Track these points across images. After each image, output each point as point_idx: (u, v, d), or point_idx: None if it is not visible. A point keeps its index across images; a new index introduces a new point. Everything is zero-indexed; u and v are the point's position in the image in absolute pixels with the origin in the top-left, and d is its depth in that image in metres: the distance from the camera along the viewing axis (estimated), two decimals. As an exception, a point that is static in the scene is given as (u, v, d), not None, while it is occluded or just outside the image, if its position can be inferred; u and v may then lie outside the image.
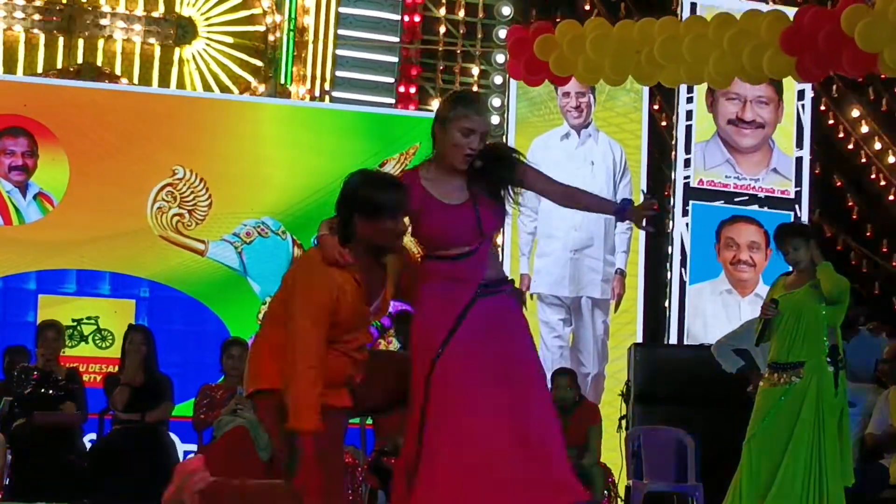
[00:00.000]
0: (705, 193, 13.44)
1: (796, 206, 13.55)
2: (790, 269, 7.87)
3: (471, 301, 5.34)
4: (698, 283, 13.32)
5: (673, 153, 13.46)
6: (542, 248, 13.06)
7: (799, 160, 13.81)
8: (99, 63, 13.30)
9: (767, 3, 12.97)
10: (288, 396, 4.98)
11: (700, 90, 13.36)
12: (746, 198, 13.50)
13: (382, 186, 5.29)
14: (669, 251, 13.39)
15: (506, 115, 13.52)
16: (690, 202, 13.37)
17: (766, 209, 13.47)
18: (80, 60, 13.27)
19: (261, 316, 12.44)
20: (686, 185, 13.39)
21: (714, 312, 13.07)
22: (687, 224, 13.35)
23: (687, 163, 13.40)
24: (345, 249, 5.16)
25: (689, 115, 13.46)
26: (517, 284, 12.16)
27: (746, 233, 13.57)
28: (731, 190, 13.50)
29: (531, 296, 12.92)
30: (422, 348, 5.31)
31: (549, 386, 9.93)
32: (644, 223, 5.52)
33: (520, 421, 5.24)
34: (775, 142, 13.62)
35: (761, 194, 13.49)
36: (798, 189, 13.65)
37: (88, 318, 12.15)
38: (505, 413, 5.23)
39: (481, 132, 5.33)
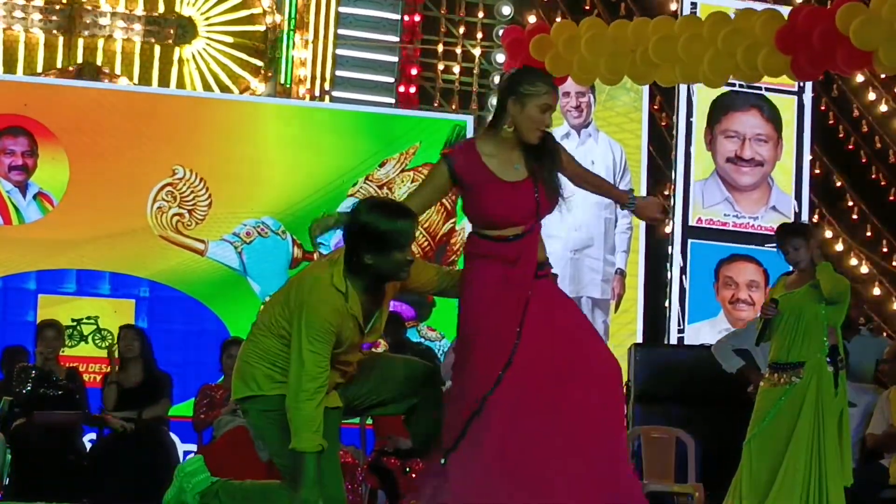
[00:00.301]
0: (704, 232, 13.42)
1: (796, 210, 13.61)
2: (790, 269, 7.87)
3: (530, 290, 5.24)
4: (697, 322, 13.30)
5: (673, 183, 13.46)
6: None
7: (799, 157, 13.80)
8: (99, 63, 13.29)
9: (764, 1, 12.95)
10: (290, 415, 5.02)
11: (699, 127, 13.37)
12: (745, 236, 13.48)
13: (391, 217, 5.13)
14: (669, 251, 13.39)
15: (506, 115, 13.50)
16: (689, 241, 13.35)
17: (765, 248, 13.41)
18: (80, 60, 13.26)
19: (260, 316, 12.45)
20: (684, 223, 13.36)
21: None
22: (682, 268, 13.34)
23: (686, 202, 13.38)
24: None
25: (687, 154, 13.43)
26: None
27: (745, 272, 13.57)
28: (730, 228, 13.48)
29: (531, 296, 12.91)
30: (488, 338, 5.21)
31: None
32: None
33: (579, 425, 5.08)
34: (774, 179, 13.62)
35: (760, 232, 13.45)
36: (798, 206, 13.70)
37: (88, 317, 12.15)
38: (564, 415, 5.08)
39: (553, 106, 5.29)
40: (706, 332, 13.07)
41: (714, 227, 13.45)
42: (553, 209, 5.40)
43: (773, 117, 13.71)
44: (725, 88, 12.81)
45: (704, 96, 13.39)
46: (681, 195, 13.37)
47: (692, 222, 13.41)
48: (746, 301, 13.49)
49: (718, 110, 13.55)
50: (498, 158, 5.28)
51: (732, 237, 13.50)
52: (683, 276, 13.29)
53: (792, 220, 13.29)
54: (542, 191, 5.29)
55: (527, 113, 5.24)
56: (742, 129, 13.39)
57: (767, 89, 13.52)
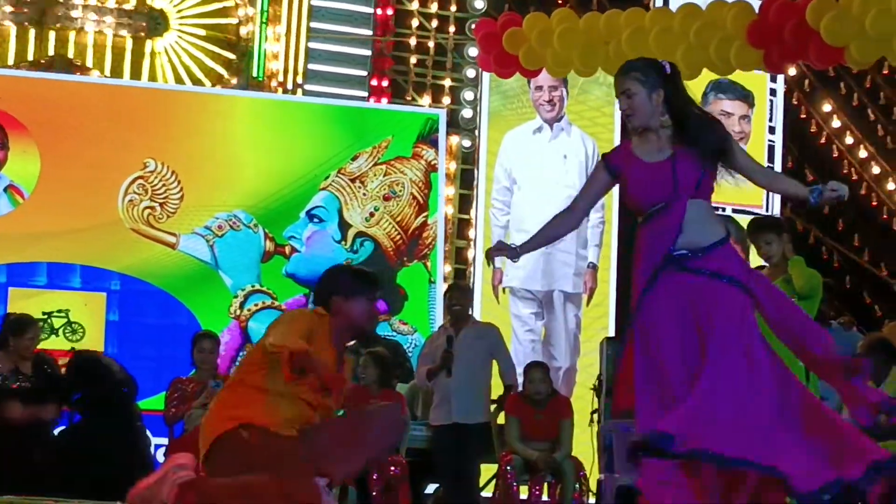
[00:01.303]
0: None
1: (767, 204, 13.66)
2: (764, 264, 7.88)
3: (661, 259, 5.38)
4: None
5: None
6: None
7: (771, 150, 13.85)
8: (70, 55, 13.23)
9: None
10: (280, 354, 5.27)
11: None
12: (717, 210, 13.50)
13: (359, 271, 5.92)
14: None
15: (478, 109, 13.53)
16: None
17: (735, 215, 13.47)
18: (51, 53, 13.18)
19: (232, 309, 12.44)
20: None
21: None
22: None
23: None
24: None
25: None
26: (489, 279, 12.29)
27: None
28: None
29: (503, 290, 12.93)
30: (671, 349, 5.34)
31: (522, 380, 9.97)
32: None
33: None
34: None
35: (732, 207, 13.47)
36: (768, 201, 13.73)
37: (59, 310, 12.10)
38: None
39: (625, 91, 5.49)
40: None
41: None
42: (703, 187, 5.52)
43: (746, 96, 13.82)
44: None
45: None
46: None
47: None
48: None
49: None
50: (643, 142, 5.56)
51: None
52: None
53: (764, 196, 13.38)
54: (681, 167, 5.45)
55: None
56: (715, 106, 13.48)
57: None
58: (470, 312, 10.24)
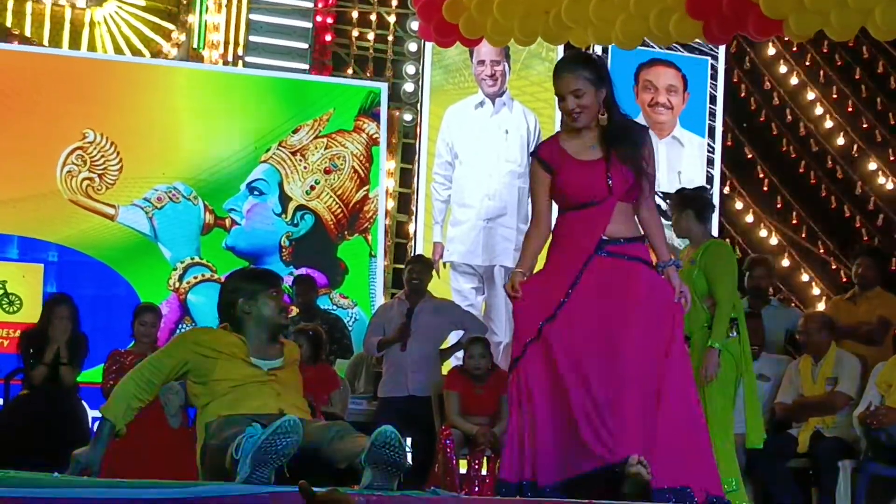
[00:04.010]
0: None
1: (713, 54, 13.94)
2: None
3: (590, 257, 5.57)
4: None
5: None
6: (455, 216, 13.06)
7: (711, 130, 13.93)
8: (8, 24, 13.08)
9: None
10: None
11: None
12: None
13: (254, 271, 6.47)
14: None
15: (420, 83, 13.50)
16: (610, 45, 13.45)
17: (684, 53, 13.63)
18: (-11, 21, 13.06)
19: (171, 282, 12.38)
20: None
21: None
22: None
23: (604, 50, 13.48)
24: None
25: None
26: (429, 253, 12.30)
27: (665, 76, 13.80)
28: None
29: (444, 264, 12.93)
30: (535, 306, 5.58)
31: (463, 355, 9.99)
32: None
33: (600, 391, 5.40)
34: None
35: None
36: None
37: (-4, 281, 12.02)
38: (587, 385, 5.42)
39: (574, 90, 5.60)
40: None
41: None
42: (633, 188, 5.68)
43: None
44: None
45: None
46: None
47: None
48: (665, 105, 13.73)
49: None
50: (572, 141, 5.72)
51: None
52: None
53: None
54: (615, 170, 5.61)
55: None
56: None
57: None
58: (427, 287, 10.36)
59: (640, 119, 13.15)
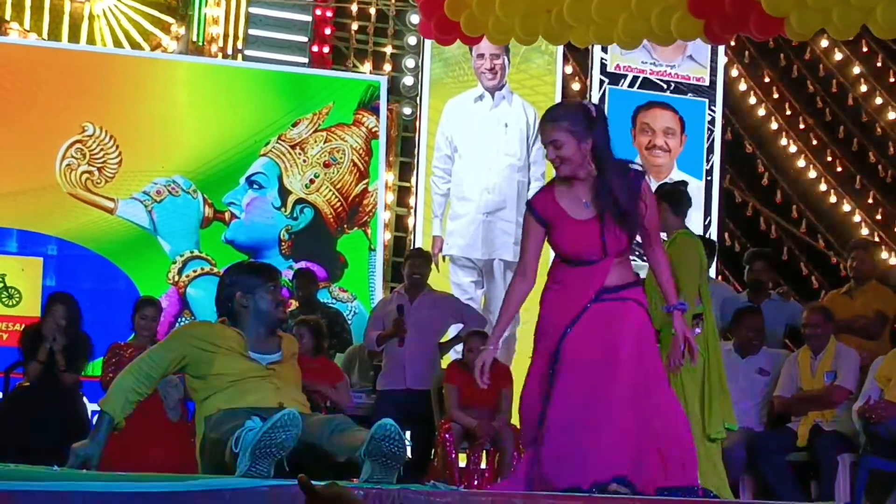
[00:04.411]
0: (622, 79, 13.55)
1: (711, 94, 13.90)
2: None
3: (588, 303, 5.61)
4: None
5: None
6: (454, 209, 13.06)
7: (711, 122, 13.92)
8: (7, 17, 13.08)
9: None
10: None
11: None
12: (663, 84, 13.62)
13: (253, 264, 6.41)
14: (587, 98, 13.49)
15: (420, 76, 13.49)
16: (607, 87, 13.45)
17: (681, 96, 13.62)
18: (-13, 15, 13.04)
19: (171, 275, 12.38)
20: (603, 69, 13.48)
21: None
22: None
23: (605, 50, 13.49)
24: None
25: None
26: (428, 247, 12.31)
27: (662, 118, 13.75)
28: (648, 76, 13.62)
29: (443, 258, 12.93)
30: (540, 342, 5.70)
31: (463, 348, 9.99)
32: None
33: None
34: None
35: (677, 80, 13.63)
36: (713, 79, 13.90)
37: (-5, 275, 12.02)
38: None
39: (552, 141, 5.62)
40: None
41: (632, 73, 13.59)
42: (627, 247, 5.74)
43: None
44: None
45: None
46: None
47: (610, 69, 13.53)
48: (662, 147, 13.70)
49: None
50: (567, 195, 5.71)
51: (650, 84, 13.65)
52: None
53: (708, 70, 13.63)
54: (609, 231, 5.62)
55: None
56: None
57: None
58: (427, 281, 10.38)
59: (638, 163, 13.11)
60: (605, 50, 13.39)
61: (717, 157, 13.84)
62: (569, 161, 5.64)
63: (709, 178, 13.84)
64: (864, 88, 14.76)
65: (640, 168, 5.86)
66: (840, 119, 14.88)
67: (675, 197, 8.07)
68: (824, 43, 14.52)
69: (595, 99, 13.30)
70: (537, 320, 5.78)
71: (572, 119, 5.67)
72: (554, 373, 5.55)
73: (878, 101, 14.71)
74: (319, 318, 9.92)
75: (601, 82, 13.50)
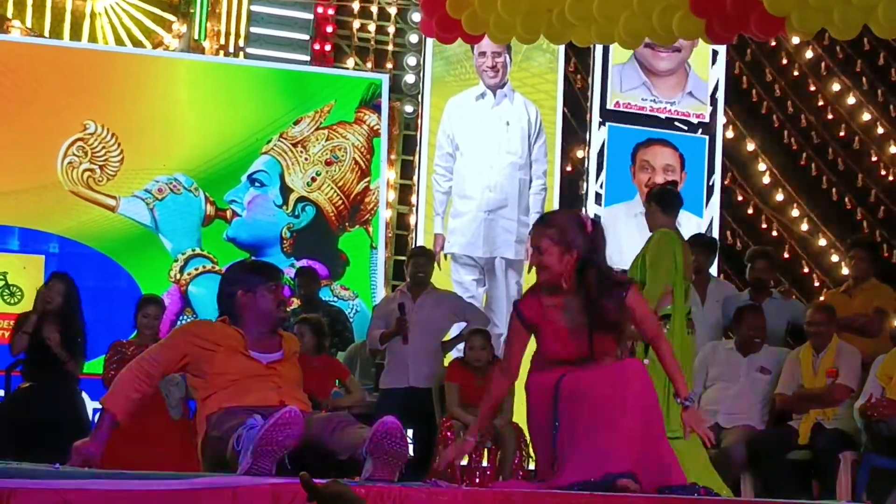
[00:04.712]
0: (621, 116, 13.56)
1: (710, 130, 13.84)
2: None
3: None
4: (613, 204, 13.40)
5: (590, 77, 13.55)
6: (456, 207, 13.06)
7: (714, 116, 13.90)
8: (9, 15, 13.08)
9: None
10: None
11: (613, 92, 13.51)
12: (662, 120, 13.62)
13: (255, 263, 6.31)
14: (587, 137, 13.51)
15: (422, 74, 13.49)
16: (607, 124, 13.45)
17: (681, 133, 13.63)
18: (-12, 13, 13.05)
19: (172, 273, 12.39)
20: (602, 107, 13.49)
21: (628, 235, 12.89)
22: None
23: (604, 85, 13.50)
24: None
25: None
26: (430, 245, 12.30)
27: (661, 156, 13.71)
28: (647, 113, 13.62)
29: (445, 256, 12.93)
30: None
31: (464, 347, 10.00)
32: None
33: None
34: (691, 66, 13.73)
35: (677, 117, 13.62)
36: (713, 110, 13.89)
37: (-3, 273, 12.03)
38: None
39: (536, 247, 5.69)
40: (622, 215, 13.31)
41: (631, 111, 13.59)
42: (614, 347, 5.76)
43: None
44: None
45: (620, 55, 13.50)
46: (599, 78, 13.48)
47: (609, 106, 13.53)
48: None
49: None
50: (555, 301, 5.67)
51: (649, 121, 13.65)
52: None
53: (708, 106, 13.62)
54: (598, 338, 5.62)
55: None
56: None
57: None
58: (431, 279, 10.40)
59: (637, 201, 13.14)
60: (604, 84, 13.40)
61: (716, 199, 13.84)
62: (547, 270, 5.65)
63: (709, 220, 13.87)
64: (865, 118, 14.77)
65: (625, 280, 5.80)
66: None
67: (665, 197, 8.19)
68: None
69: (595, 135, 13.36)
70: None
71: (561, 229, 5.66)
72: (557, 401, 5.56)
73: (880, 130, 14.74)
74: (321, 317, 9.94)
75: (599, 124, 13.50)
